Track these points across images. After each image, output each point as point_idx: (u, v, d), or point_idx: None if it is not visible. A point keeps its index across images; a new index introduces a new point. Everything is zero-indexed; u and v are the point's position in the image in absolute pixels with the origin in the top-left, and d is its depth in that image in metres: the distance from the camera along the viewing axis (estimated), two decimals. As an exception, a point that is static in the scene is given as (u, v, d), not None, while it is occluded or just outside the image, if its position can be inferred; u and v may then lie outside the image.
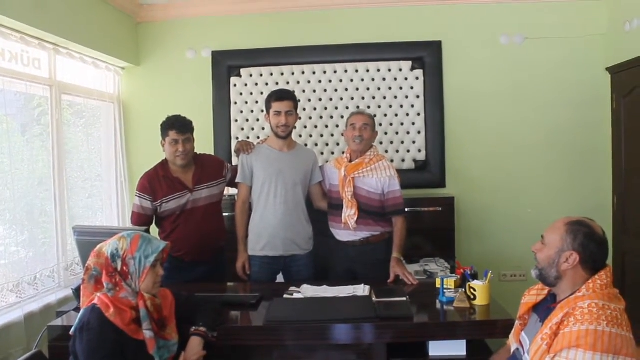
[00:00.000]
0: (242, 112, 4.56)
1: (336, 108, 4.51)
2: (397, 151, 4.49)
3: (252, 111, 4.56)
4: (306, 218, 3.33)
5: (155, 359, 2.03)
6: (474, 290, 2.56)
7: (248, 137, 4.49)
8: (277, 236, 3.21)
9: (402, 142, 4.49)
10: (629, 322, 1.71)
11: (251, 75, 4.56)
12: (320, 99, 4.52)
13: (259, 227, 3.25)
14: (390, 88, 4.49)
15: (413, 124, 4.48)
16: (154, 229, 3.27)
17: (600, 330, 1.63)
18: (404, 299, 2.61)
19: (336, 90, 4.51)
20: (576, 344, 1.64)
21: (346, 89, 4.51)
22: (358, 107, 4.41)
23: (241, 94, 4.57)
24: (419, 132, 4.48)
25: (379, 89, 4.49)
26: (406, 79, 4.48)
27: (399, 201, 3.17)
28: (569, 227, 1.84)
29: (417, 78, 4.47)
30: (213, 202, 3.30)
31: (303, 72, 4.52)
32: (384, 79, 4.49)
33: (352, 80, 4.51)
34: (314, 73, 4.52)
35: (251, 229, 3.28)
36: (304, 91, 4.49)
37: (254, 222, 3.28)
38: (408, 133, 4.48)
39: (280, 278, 3.35)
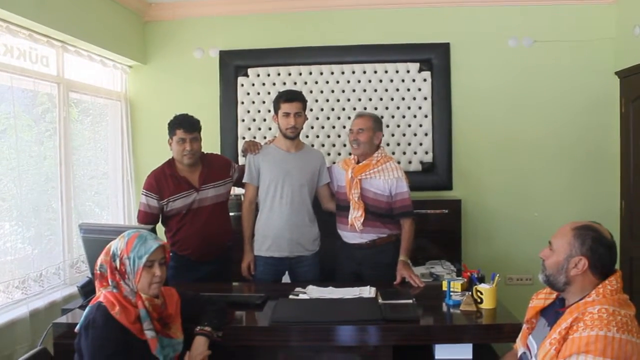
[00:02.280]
0: (249, 112, 4.56)
1: (343, 109, 4.51)
2: (404, 153, 4.47)
3: (259, 111, 4.55)
4: (312, 219, 3.31)
5: (159, 358, 2.03)
6: (481, 293, 2.54)
7: (255, 137, 4.49)
8: (282, 237, 3.20)
9: (409, 144, 4.47)
10: (639, 329, 1.69)
11: (258, 75, 4.56)
12: (327, 100, 4.51)
13: (265, 227, 3.24)
14: (397, 90, 4.48)
15: (420, 125, 4.47)
16: (161, 228, 3.27)
17: (610, 336, 1.61)
18: (410, 301, 2.59)
19: (343, 92, 4.51)
20: (585, 350, 1.62)
21: (353, 90, 4.50)
22: (365, 109, 4.42)
23: (248, 93, 4.57)
24: (426, 134, 4.47)
25: (386, 90, 4.48)
26: (414, 80, 4.47)
27: (407, 203, 3.13)
28: (577, 231, 1.82)
29: (425, 80, 4.46)
30: (219, 202, 3.29)
31: (310, 73, 4.52)
32: (392, 81, 4.48)
33: (359, 82, 4.50)
34: (322, 74, 4.51)
35: (257, 229, 3.27)
36: (311, 92, 4.48)
37: (260, 223, 3.27)
38: (415, 135, 4.47)
39: (286, 279, 3.34)
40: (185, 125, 3.13)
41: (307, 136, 4.47)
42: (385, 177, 3.13)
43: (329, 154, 4.46)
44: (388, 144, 4.43)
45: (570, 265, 1.80)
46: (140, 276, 2.04)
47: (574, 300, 1.81)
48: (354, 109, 4.46)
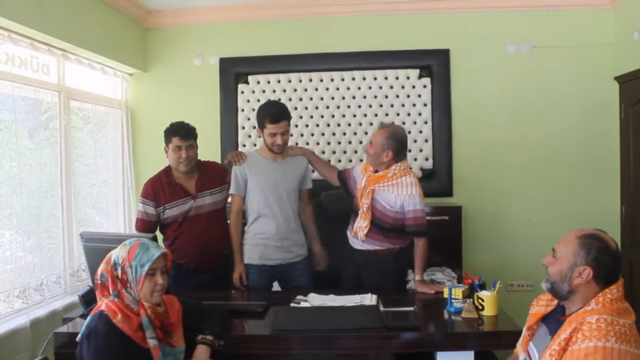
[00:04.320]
0: (249, 119, 4.56)
1: (343, 116, 4.51)
2: (404, 159, 4.47)
3: (259, 118, 4.55)
4: (299, 225, 3.33)
5: (160, 366, 2.03)
6: (482, 300, 2.54)
7: (255, 145, 4.50)
8: (274, 245, 3.21)
9: (410, 151, 4.45)
10: (638, 338, 1.67)
11: (258, 83, 4.56)
12: (328, 107, 4.52)
13: (256, 236, 3.23)
14: (397, 96, 4.48)
15: (420, 132, 4.47)
16: (161, 237, 3.27)
17: (609, 347, 1.60)
18: (412, 308, 2.59)
19: (343, 98, 4.51)
20: (584, 362, 1.61)
21: (353, 97, 4.50)
22: (365, 116, 4.47)
23: (248, 101, 4.57)
24: (426, 141, 4.47)
25: (386, 97, 4.48)
26: (414, 87, 4.47)
27: (420, 222, 3.03)
28: (582, 240, 1.79)
29: (425, 86, 4.46)
30: (216, 209, 3.30)
31: (310, 80, 4.52)
32: (392, 87, 4.48)
33: (359, 88, 4.50)
34: (321, 80, 4.52)
35: (247, 238, 3.27)
36: (311, 99, 4.50)
37: (250, 233, 3.26)
38: (415, 141, 4.46)
39: (276, 286, 3.35)
40: (180, 133, 3.14)
41: (308, 143, 4.47)
42: (399, 192, 3.03)
43: (329, 161, 4.45)
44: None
45: (575, 274, 1.77)
46: (142, 284, 2.04)
47: (574, 308, 1.79)
48: (354, 116, 4.48)
